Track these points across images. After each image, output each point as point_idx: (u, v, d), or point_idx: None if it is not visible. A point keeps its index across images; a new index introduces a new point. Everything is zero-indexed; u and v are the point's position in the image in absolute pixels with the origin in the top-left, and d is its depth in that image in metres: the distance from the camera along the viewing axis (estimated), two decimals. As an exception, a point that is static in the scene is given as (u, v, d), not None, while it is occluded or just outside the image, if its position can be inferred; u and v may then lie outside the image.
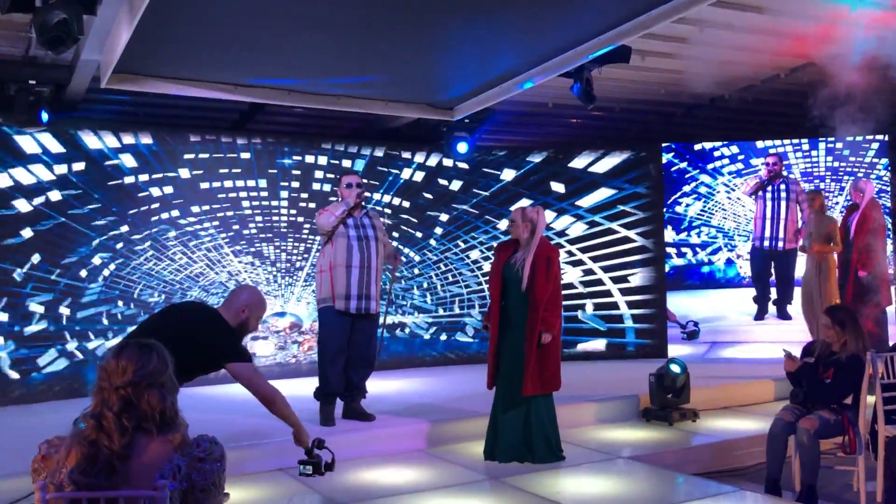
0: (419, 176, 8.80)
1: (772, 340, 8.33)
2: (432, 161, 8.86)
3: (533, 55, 5.66)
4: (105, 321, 7.19)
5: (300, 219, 8.14)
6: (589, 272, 9.05)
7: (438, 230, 8.90)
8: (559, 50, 5.54)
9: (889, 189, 8.74)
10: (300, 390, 6.59)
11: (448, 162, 8.90)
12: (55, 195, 6.99)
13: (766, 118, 9.35)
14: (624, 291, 8.99)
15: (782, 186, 8.69)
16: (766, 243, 8.76)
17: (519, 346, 4.84)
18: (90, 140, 7.17)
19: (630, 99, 8.33)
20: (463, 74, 6.01)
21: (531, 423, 4.90)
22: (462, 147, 8.63)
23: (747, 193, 8.80)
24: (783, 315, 8.85)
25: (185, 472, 2.11)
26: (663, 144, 9.06)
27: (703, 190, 9.08)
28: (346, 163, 8.32)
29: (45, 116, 6.57)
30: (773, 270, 8.87)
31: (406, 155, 8.73)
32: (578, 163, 9.10)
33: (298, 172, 8.14)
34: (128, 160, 7.34)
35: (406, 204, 8.70)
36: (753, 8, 5.94)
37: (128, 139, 7.35)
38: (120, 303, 7.28)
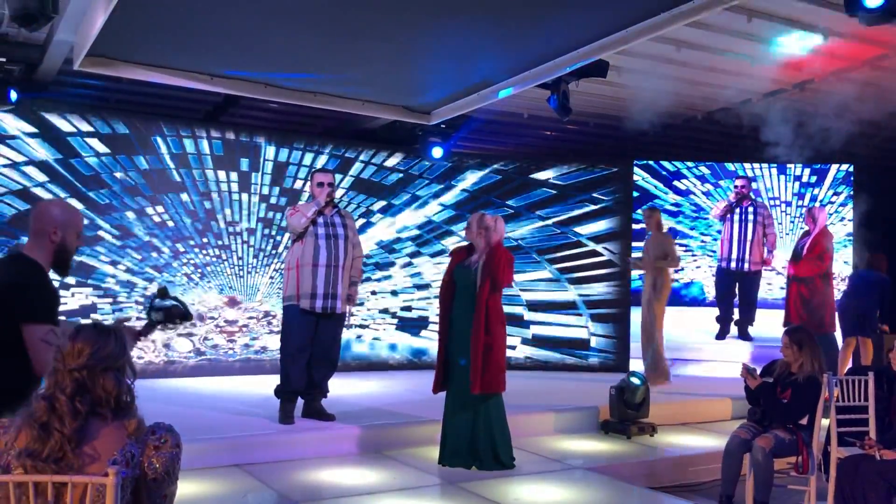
0: (392, 178, 8.79)
1: (732, 360, 8.46)
2: (406, 164, 8.85)
3: (512, 64, 5.69)
4: (66, 307, 7.06)
5: (270, 214, 8.08)
6: (554, 283, 9.10)
7: (409, 233, 8.89)
8: (538, 60, 5.57)
9: (851, 214, 8.93)
10: (263, 387, 6.55)
11: (422, 166, 8.90)
12: (20, 177, 6.86)
13: (738, 141, 9.50)
14: (589, 304, 9.05)
15: (750, 209, 8.81)
16: (733, 265, 8.88)
17: (467, 349, 4.85)
18: (61, 123, 7.05)
19: (604, 114, 8.40)
20: (442, 79, 6.02)
21: (478, 428, 4.91)
22: (437, 152, 8.63)
23: (717, 217, 8.91)
24: (744, 336, 8.96)
25: (138, 460, 2.07)
26: (635, 161, 9.15)
27: (670, 208, 9.18)
28: (320, 161, 8.28)
29: (13, 95, 6.45)
30: (737, 291, 8.99)
31: (380, 157, 8.72)
32: (550, 174, 9.16)
33: (271, 167, 8.08)
34: (97, 145, 7.23)
35: (378, 206, 8.68)
36: (731, 31, 6.03)
37: (98, 124, 7.24)
38: (82, 289, 7.15)
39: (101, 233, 7.26)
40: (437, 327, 5.52)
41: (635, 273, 8.37)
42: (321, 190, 5.53)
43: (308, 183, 5.74)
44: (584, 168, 9.18)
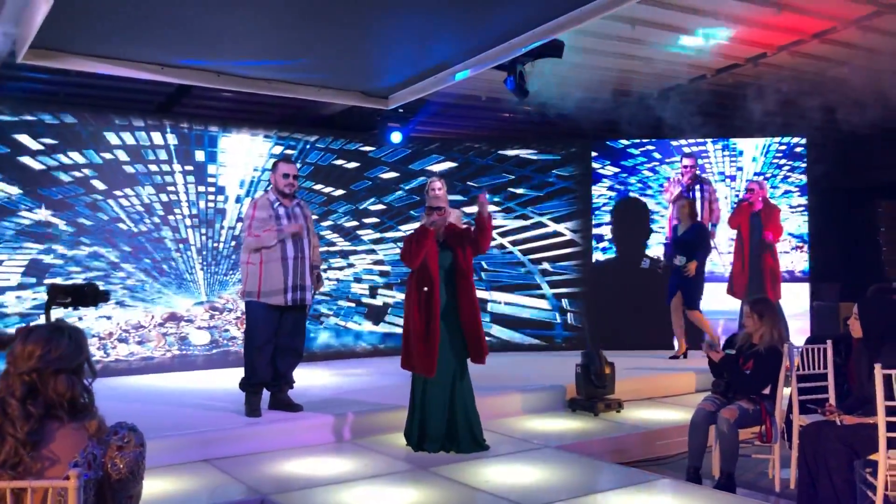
0: (352, 165, 8.71)
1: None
2: (365, 150, 8.78)
3: (468, 46, 5.64)
4: (20, 307, 6.88)
5: (227, 206, 7.96)
6: (519, 264, 9.13)
7: (371, 220, 8.84)
8: (494, 41, 5.53)
9: (805, 186, 9.08)
10: (227, 382, 6.48)
11: (381, 151, 8.84)
12: (-34, 175, 6.67)
13: (693, 118, 9.58)
14: (552, 284, 9.10)
15: (697, 187, 8.93)
16: None
17: (453, 327, 4.87)
18: (4, 118, 6.85)
19: (562, 94, 8.41)
20: (398, 62, 5.95)
21: (455, 409, 4.92)
22: (396, 137, 8.59)
23: (671, 201, 8.99)
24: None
25: (100, 461, 2.02)
26: (593, 141, 9.20)
27: (619, 186, 9.24)
28: (277, 149, 8.17)
29: (-46, 92, 6.25)
30: None
31: (339, 143, 8.63)
32: (509, 156, 9.17)
33: (226, 158, 7.95)
34: (46, 140, 7.04)
35: (338, 193, 8.61)
36: (685, 8, 6.06)
37: (46, 118, 7.05)
38: (38, 288, 6.98)
39: (54, 230, 7.09)
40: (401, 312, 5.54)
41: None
42: (285, 181, 5.46)
43: (271, 173, 5.62)
44: (543, 149, 9.22)
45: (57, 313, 2.91)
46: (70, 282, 2.89)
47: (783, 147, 9.12)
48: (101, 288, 3.05)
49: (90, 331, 7.06)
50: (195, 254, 7.81)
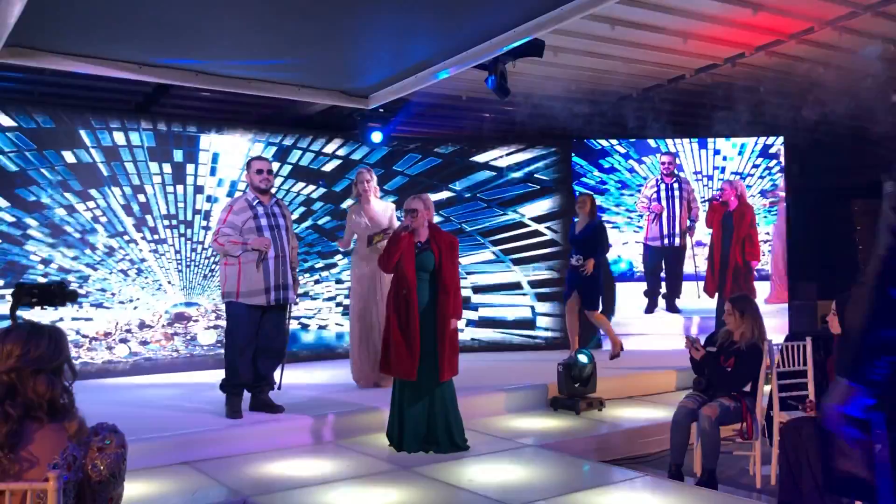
0: (332, 165, 8.68)
1: (661, 333, 8.67)
2: (345, 150, 8.75)
3: (449, 45, 5.64)
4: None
5: (206, 206, 7.90)
6: (499, 264, 9.13)
7: (350, 220, 8.79)
8: (474, 41, 5.53)
9: (782, 185, 9.17)
10: (206, 383, 6.43)
11: (361, 152, 8.81)
12: (-61, 175, 6.56)
13: (672, 117, 9.65)
14: (533, 283, 9.12)
15: (675, 185, 9.00)
16: (665, 241, 9.04)
17: (433, 328, 4.83)
18: (-21, 118, 6.76)
19: (542, 94, 8.43)
20: (378, 62, 5.93)
21: (435, 412, 4.90)
22: (376, 136, 8.56)
23: (644, 208, 9.05)
24: (672, 308, 9.15)
25: (80, 462, 1.99)
26: (573, 141, 9.23)
27: (596, 186, 9.28)
28: (256, 149, 8.12)
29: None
30: (663, 265, 9.17)
31: (318, 143, 8.59)
32: (490, 156, 9.17)
33: (206, 158, 7.89)
34: (21, 140, 6.95)
35: (318, 193, 8.57)
36: (663, 8, 6.10)
37: (21, 119, 6.96)
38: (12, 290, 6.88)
39: (30, 231, 6.99)
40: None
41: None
42: (259, 177, 5.41)
43: (245, 172, 5.57)
44: (524, 149, 9.24)
45: (28, 315, 2.85)
46: (37, 281, 2.79)
47: (760, 147, 9.20)
48: (71, 288, 2.95)
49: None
50: (174, 255, 7.74)
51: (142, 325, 7.54)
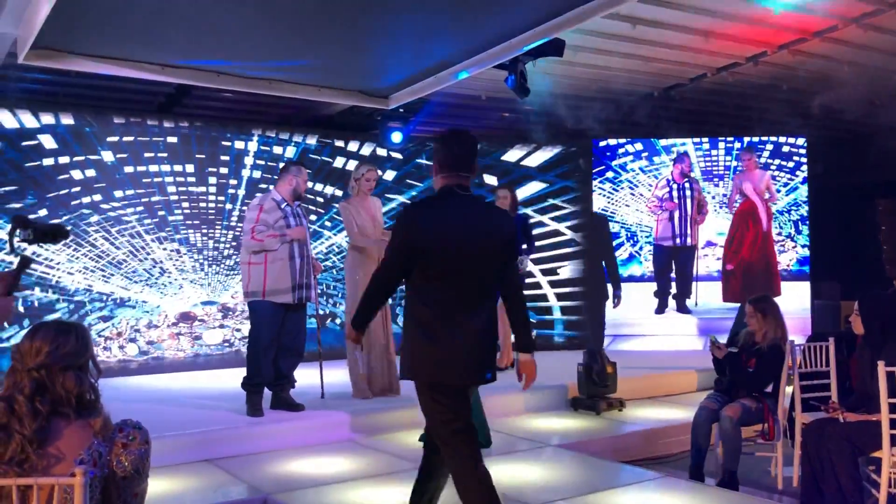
0: (352, 165, 8.70)
1: (672, 333, 8.61)
2: (366, 150, 8.77)
3: (468, 45, 5.64)
4: (21, 308, 6.88)
5: (228, 206, 7.96)
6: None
7: (371, 220, 8.82)
8: (494, 41, 5.53)
9: (806, 185, 9.08)
10: (226, 381, 6.47)
11: (382, 151, 8.83)
12: (-33, 176, 6.67)
13: (694, 117, 9.59)
14: (553, 284, 9.10)
15: (687, 185, 8.95)
16: (677, 241, 8.99)
17: None
18: (6, 118, 6.85)
19: (562, 94, 8.41)
20: (398, 62, 5.94)
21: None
22: (396, 137, 8.58)
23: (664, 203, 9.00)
24: (682, 308, 9.09)
25: (106, 458, 2.02)
26: (594, 140, 9.20)
27: (607, 186, 9.23)
28: (277, 149, 8.17)
29: (-45, 92, 6.24)
30: (673, 266, 9.11)
31: (339, 143, 8.63)
32: (510, 156, 9.17)
33: (227, 158, 7.95)
34: (47, 141, 7.04)
35: (338, 193, 8.60)
36: (685, 7, 6.07)
37: (47, 119, 7.06)
38: (37, 290, 6.99)
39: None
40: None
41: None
42: (305, 185, 5.63)
43: (288, 174, 5.57)
44: (544, 148, 9.21)
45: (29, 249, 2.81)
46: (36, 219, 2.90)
47: (784, 146, 9.12)
48: (67, 228, 3.04)
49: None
50: (196, 254, 7.80)
51: (163, 324, 7.61)
